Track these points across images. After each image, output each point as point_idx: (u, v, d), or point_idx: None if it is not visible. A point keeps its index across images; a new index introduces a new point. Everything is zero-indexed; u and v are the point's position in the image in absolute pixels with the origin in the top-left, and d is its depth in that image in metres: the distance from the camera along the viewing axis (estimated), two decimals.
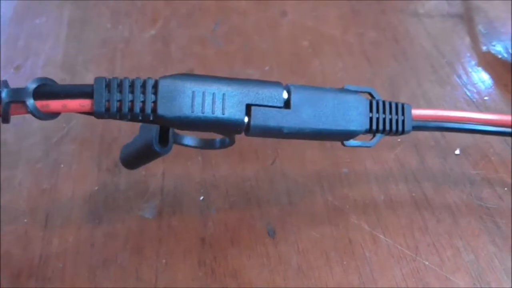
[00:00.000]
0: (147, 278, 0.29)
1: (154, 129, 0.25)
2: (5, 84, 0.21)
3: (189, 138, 0.27)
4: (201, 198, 0.32)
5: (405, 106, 0.26)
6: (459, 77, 0.40)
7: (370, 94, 0.25)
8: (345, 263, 0.29)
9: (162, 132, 0.25)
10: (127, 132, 0.35)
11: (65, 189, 0.33)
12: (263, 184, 0.33)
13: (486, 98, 0.38)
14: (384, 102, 0.25)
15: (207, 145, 0.27)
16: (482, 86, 0.39)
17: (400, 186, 0.32)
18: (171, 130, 0.26)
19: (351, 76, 0.40)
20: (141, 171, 0.33)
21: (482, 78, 0.40)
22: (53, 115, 0.22)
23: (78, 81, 0.40)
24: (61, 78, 0.40)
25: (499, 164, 0.33)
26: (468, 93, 0.38)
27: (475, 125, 0.27)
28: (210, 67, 0.41)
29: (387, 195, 0.32)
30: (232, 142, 0.26)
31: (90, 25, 0.44)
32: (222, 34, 0.44)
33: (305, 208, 0.31)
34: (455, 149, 0.34)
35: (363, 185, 0.33)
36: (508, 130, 0.27)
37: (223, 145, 0.27)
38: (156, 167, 0.34)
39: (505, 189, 0.32)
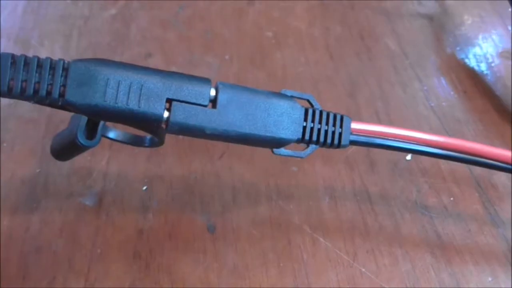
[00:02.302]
0: (79, 268, 0.28)
1: (83, 119, 0.24)
2: None
3: (117, 132, 0.26)
4: (144, 188, 0.31)
5: (344, 118, 0.24)
6: (420, 80, 0.39)
7: (308, 101, 0.24)
8: (281, 264, 0.29)
9: (90, 123, 0.24)
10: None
11: (4, 170, 0.32)
12: (209, 178, 0.32)
13: (444, 103, 0.38)
14: (321, 112, 0.24)
15: (135, 141, 0.26)
16: (441, 91, 0.39)
17: (347, 189, 0.32)
18: (101, 122, 0.25)
19: (312, 72, 0.39)
20: (86, 156, 0.33)
21: (442, 83, 0.39)
22: None
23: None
24: (13, 51, 0.38)
25: (448, 172, 0.33)
26: (427, 97, 0.38)
27: (422, 146, 0.25)
28: (169, 52, 0.40)
29: (332, 197, 0.32)
30: (160, 142, 0.25)
31: (47, 0, 0.43)
32: (185, 19, 0.43)
33: (249, 206, 0.31)
34: (407, 154, 0.34)
35: (309, 185, 0.32)
36: (454, 154, 0.26)
37: (153, 143, 0.25)
38: (102, 152, 0.33)
39: (451, 199, 0.32)
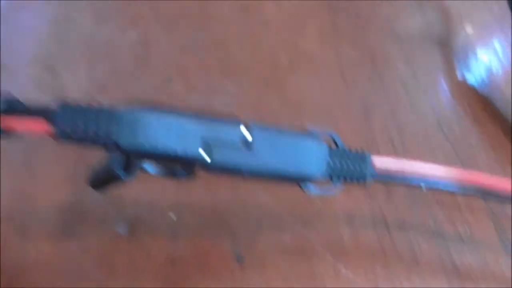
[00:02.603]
0: None
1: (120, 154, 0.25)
2: None
3: (152, 166, 0.27)
4: (173, 217, 0.33)
5: (366, 156, 0.26)
6: (432, 106, 0.41)
7: (332, 138, 0.26)
8: None
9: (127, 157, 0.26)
10: None
11: (40, 197, 0.33)
12: (236, 208, 0.33)
13: (456, 130, 0.39)
14: (344, 149, 0.26)
15: (169, 175, 0.27)
16: (453, 117, 0.40)
17: (366, 218, 0.33)
18: None
19: (326, 98, 0.40)
20: None
21: (453, 109, 0.41)
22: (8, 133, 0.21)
23: (58, 82, 0.40)
24: (41, 77, 0.40)
25: (463, 201, 0.34)
26: (439, 123, 0.39)
27: (442, 183, 0.26)
28: (188, 77, 0.41)
29: (353, 226, 0.33)
30: (194, 176, 0.26)
31: (72, 24, 0.44)
32: (202, 44, 0.44)
33: (274, 235, 0.32)
34: None
35: (330, 215, 0.34)
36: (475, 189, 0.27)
37: (187, 177, 0.27)
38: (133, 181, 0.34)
39: (466, 228, 0.33)
